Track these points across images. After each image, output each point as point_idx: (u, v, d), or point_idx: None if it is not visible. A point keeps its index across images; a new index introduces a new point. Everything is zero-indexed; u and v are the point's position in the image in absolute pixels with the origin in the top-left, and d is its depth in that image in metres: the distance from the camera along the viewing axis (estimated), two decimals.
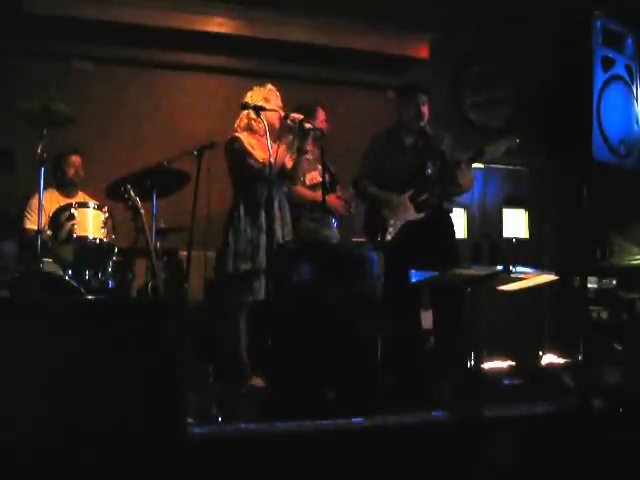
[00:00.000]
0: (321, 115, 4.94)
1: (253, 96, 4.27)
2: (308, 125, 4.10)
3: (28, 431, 2.44)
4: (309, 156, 4.54)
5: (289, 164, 4.24)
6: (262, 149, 4.12)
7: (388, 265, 4.39)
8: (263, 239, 4.10)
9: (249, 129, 4.28)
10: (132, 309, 2.82)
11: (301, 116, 4.13)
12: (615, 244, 5.67)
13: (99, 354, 2.57)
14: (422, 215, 4.38)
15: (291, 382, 3.36)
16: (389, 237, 4.39)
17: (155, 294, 3.99)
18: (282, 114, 4.18)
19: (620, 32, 3.85)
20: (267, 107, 4.16)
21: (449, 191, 4.43)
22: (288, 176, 4.28)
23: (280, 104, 4.28)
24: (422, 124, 4.48)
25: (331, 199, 4.64)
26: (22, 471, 2.42)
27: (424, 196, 4.37)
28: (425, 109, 4.47)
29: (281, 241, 4.15)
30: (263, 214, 4.13)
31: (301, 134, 4.12)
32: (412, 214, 4.37)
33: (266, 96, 4.26)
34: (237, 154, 4.19)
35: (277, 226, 4.18)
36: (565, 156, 3.90)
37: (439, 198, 4.42)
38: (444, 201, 4.47)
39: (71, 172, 5.01)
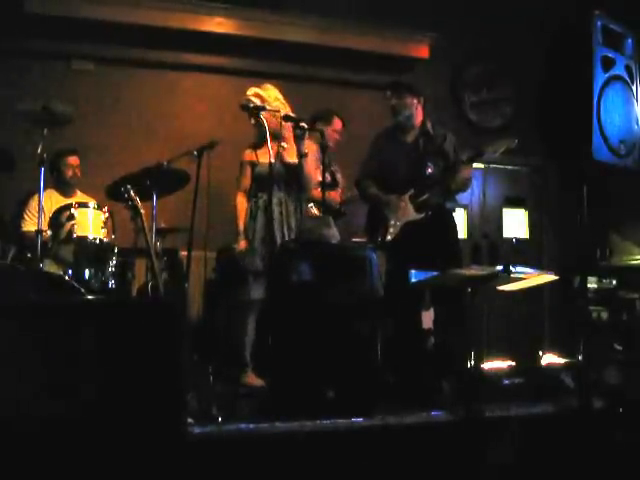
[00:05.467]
0: (336, 124, 5.00)
1: (254, 97, 4.28)
2: (303, 124, 4.11)
3: (28, 431, 2.44)
4: (316, 156, 4.55)
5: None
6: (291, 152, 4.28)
7: (389, 265, 4.39)
8: (256, 241, 4.23)
9: (275, 137, 4.29)
10: (132, 309, 2.82)
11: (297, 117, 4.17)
12: (615, 244, 5.67)
13: (99, 354, 2.57)
14: (421, 216, 4.37)
15: (291, 382, 3.36)
16: (390, 237, 4.38)
17: (155, 294, 3.99)
18: (281, 114, 4.20)
19: (620, 32, 3.85)
20: (267, 108, 4.17)
21: (450, 191, 4.43)
22: (294, 179, 4.30)
23: (280, 100, 4.29)
24: (415, 122, 4.48)
25: (330, 194, 4.70)
26: (23, 471, 2.42)
27: (424, 196, 4.36)
28: (411, 104, 4.46)
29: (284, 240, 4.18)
30: (260, 217, 4.23)
31: (297, 134, 4.13)
32: (412, 214, 4.37)
33: (265, 96, 4.27)
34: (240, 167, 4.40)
35: (276, 228, 4.20)
36: (565, 156, 3.90)
37: (441, 198, 4.41)
38: (446, 201, 4.46)
39: (69, 173, 5.01)
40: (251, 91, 4.32)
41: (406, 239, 4.34)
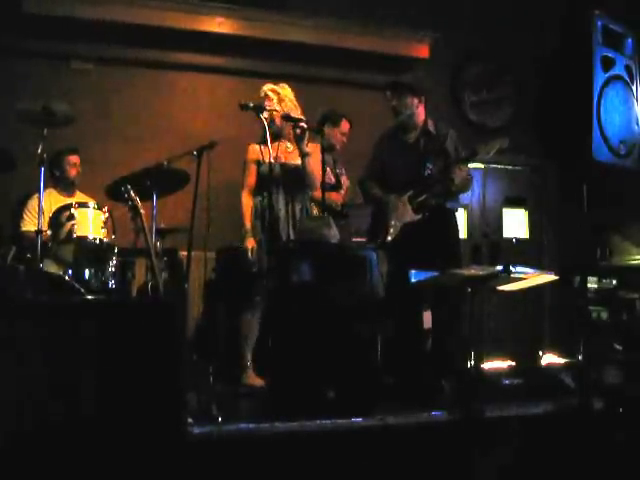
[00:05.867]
0: (344, 127, 5.02)
1: (270, 92, 4.30)
2: (302, 124, 4.11)
3: (27, 431, 2.44)
4: (318, 156, 4.56)
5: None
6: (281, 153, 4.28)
7: (390, 266, 4.39)
8: (265, 240, 4.20)
9: (276, 137, 4.31)
10: (132, 309, 2.82)
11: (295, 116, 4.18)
12: (615, 244, 5.67)
13: (99, 354, 2.57)
14: (419, 217, 4.35)
15: (291, 382, 3.35)
16: (390, 238, 4.38)
17: (155, 294, 3.99)
18: (281, 114, 4.21)
19: (620, 32, 3.85)
20: (267, 107, 4.17)
21: (451, 192, 4.40)
22: (299, 179, 4.31)
23: (293, 102, 4.31)
24: (417, 121, 4.47)
25: (330, 195, 4.70)
26: (23, 471, 2.42)
27: (422, 197, 4.35)
28: (411, 103, 4.45)
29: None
30: (268, 216, 4.21)
31: (297, 134, 4.14)
32: (410, 215, 4.36)
33: (282, 94, 4.30)
34: (243, 165, 4.38)
35: (282, 227, 4.20)
36: (565, 156, 3.91)
37: (441, 198, 4.39)
38: (447, 201, 4.44)
39: (73, 172, 5.01)
40: (268, 86, 4.33)
41: (405, 240, 4.33)
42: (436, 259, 3.93)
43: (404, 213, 4.37)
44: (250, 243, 4.23)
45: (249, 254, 4.19)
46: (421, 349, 4.35)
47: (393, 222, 4.39)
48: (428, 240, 4.24)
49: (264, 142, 4.14)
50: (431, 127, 4.50)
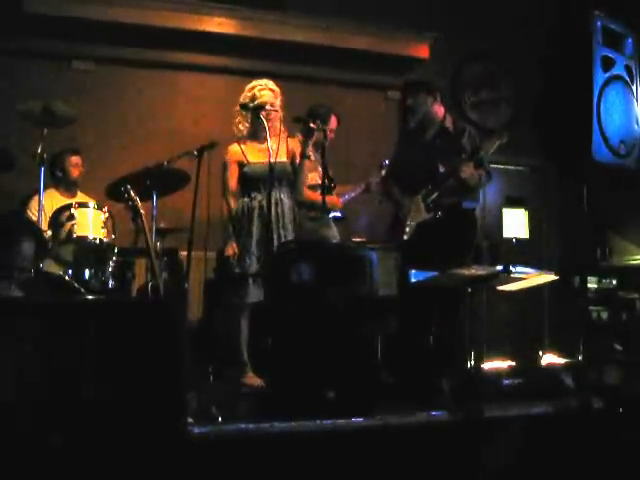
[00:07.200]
0: (333, 123, 4.98)
1: (268, 90, 4.27)
2: (312, 125, 4.10)
3: (27, 430, 2.44)
4: (312, 157, 4.55)
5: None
6: (261, 152, 4.19)
7: (404, 265, 4.38)
8: (252, 243, 4.15)
9: (249, 134, 4.30)
10: (132, 309, 2.82)
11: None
12: (615, 244, 5.67)
13: (99, 354, 2.57)
14: (430, 215, 4.33)
15: (291, 382, 3.36)
16: (406, 237, 4.37)
17: (155, 294, 3.99)
18: (281, 113, 4.20)
19: (620, 32, 3.86)
20: (268, 107, 4.16)
21: (467, 188, 4.37)
22: (290, 181, 4.29)
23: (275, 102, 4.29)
24: (434, 119, 4.45)
25: (330, 199, 4.67)
26: (23, 471, 2.42)
27: (434, 195, 4.32)
28: (426, 102, 4.43)
29: (281, 241, 4.16)
30: (256, 218, 4.17)
31: (305, 134, 4.12)
32: (424, 215, 4.34)
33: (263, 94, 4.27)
34: (223, 168, 4.30)
35: (274, 229, 4.17)
36: (565, 156, 3.91)
37: (456, 197, 4.37)
38: (462, 200, 4.39)
39: (75, 173, 5.00)
40: (269, 82, 4.28)
41: (419, 239, 4.32)
42: (446, 259, 3.89)
43: (418, 213, 4.36)
44: (231, 249, 4.17)
45: (231, 259, 4.14)
46: (421, 349, 4.35)
47: (408, 222, 4.38)
48: (440, 240, 4.21)
49: (245, 141, 4.18)
50: (449, 125, 4.47)
